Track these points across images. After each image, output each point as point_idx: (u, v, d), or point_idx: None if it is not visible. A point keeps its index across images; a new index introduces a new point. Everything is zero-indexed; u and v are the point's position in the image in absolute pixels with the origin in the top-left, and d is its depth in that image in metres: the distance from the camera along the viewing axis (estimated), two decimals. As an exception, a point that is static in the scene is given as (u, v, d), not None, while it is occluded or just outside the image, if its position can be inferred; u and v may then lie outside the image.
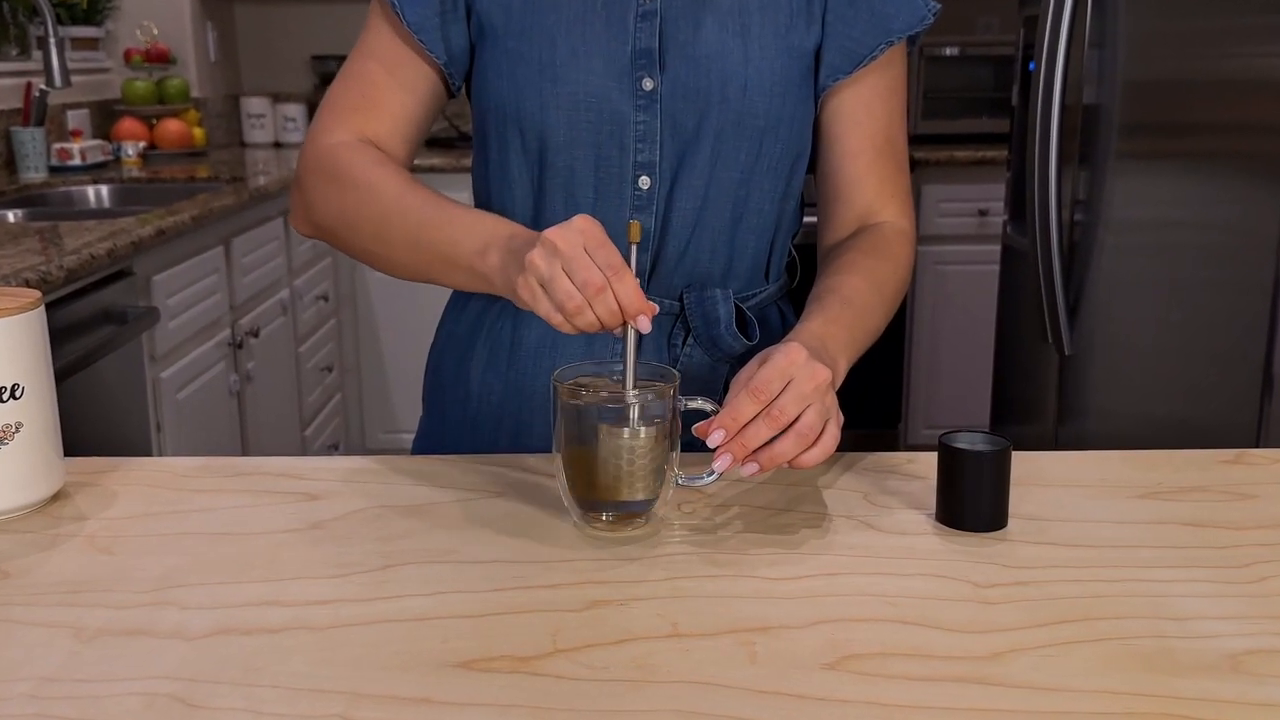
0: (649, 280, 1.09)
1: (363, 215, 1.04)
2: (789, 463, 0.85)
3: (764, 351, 0.88)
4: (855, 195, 1.12)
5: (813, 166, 1.15)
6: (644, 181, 1.06)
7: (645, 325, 0.86)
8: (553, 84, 1.04)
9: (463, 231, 0.97)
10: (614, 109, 1.04)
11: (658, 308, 0.87)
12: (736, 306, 1.10)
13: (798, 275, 1.22)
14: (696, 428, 0.86)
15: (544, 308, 0.87)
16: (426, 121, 1.13)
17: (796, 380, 0.85)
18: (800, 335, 0.93)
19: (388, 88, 1.09)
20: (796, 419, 0.84)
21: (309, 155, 1.09)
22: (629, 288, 0.84)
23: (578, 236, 0.85)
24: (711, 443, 0.85)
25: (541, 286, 0.87)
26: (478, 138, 1.13)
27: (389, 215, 1.02)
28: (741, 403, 0.84)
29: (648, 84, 1.04)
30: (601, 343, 1.09)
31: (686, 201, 1.07)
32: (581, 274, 0.84)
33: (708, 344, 1.10)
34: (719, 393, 1.09)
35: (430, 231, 1.00)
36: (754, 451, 0.85)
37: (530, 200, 1.09)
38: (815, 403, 0.85)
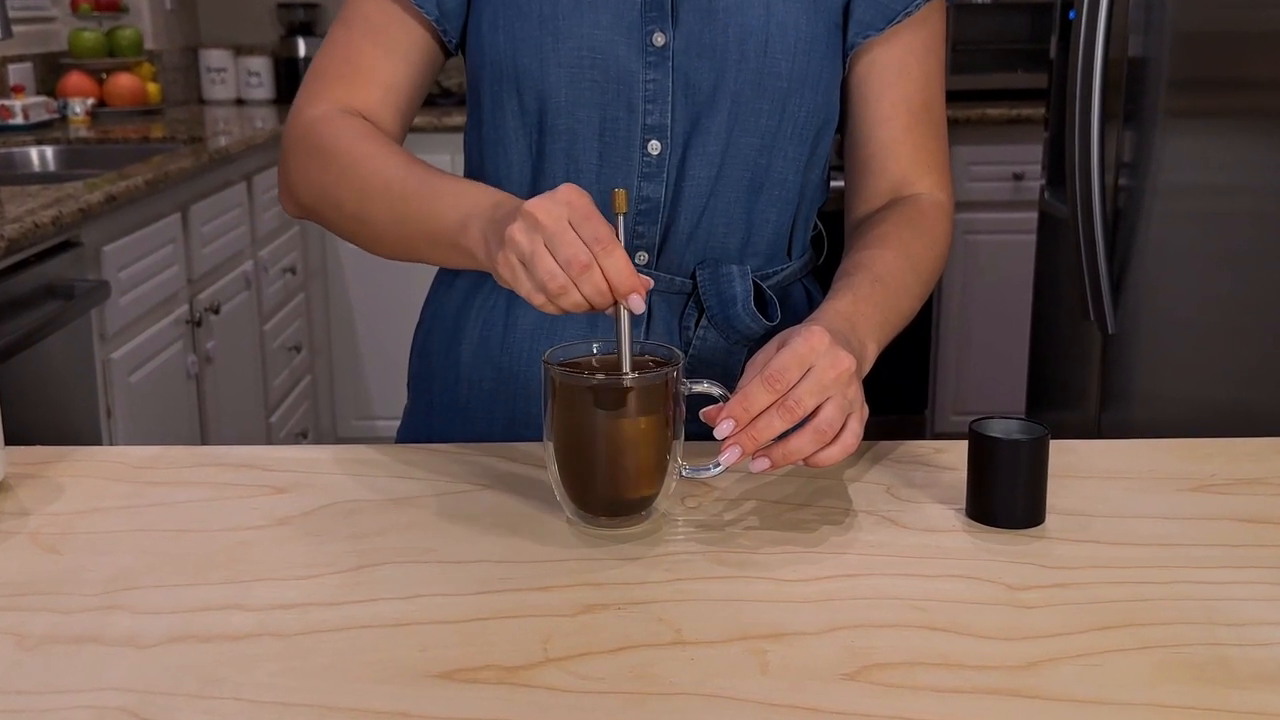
0: (658, 256, 1.09)
1: (344, 191, 1.04)
2: (804, 461, 0.85)
3: (783, 333, 0.88)
4: (888, 164, 1.11)
5: (841, 131, 1.14)
6: (654, 147, 1.06)
7: (638, 305, 0.85)
8: (554, 39, 1.03)
9: (446, 203, 0.97)
10: (621, 66, 1.04)
11: (652, 283, 0.87)
12: (755, 284, 1.09)
13: (824, 250, 1.22)
14: (704, 412, 0.86)
15: (525, 287, 0.87)
16: (420, 87, 1.12)
17: (817, 369, 0.84)
18: (825, 316, 0.92)
19: (374, 53, 1.08)
20: (815, 412, 0.84)
21: (290, 130, 1.09)
22: (618, 264, 0.84)
23: (562, 209, 0.84)
24: (719, 433, 0.84)
25: (522, 264, 0.86)
26: (471, 98, 1.12)
27: (370, 190, 1.02)
28: (754, 391, 0.83)
29: (659, 39, 1.03)
30: (606, 322, 1.08)
31: (700, 170, 1.06)
32: (565, 250, 0.83)
33: (723, 325, 1.09)
34: (735, 379, 1.09)
35: (413, 205, 0.99)
36: (766, 446, 0.84)
37: (528, 167, 1.09)
38: (836, 395, 0.85)
